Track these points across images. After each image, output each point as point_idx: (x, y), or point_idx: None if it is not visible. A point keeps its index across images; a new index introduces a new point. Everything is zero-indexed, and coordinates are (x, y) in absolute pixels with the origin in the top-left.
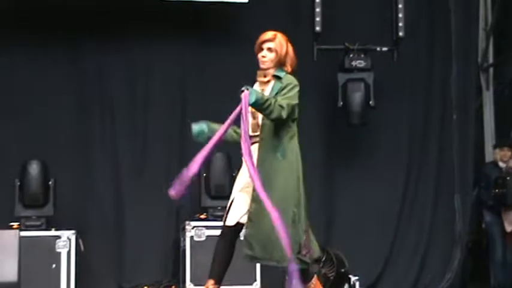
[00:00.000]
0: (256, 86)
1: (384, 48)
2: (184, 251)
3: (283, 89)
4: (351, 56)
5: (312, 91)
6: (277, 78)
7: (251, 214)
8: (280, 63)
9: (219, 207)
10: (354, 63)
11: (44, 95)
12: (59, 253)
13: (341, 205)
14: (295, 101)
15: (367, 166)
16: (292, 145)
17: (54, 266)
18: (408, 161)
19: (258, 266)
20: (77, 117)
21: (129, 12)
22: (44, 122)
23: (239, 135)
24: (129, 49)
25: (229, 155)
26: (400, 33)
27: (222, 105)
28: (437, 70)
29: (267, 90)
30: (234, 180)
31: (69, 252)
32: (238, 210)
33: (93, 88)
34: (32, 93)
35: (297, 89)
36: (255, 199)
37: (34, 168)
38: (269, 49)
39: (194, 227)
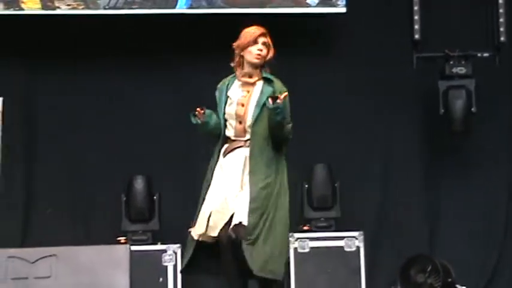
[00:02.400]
0: (236, 88)
1: (485, 54)
2: (288, 263)
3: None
4: (452, 62)
5: (412, 99)
6: (267, 80)
7: (255, 228)
8: (265, 62)
9: (322, 219)
10: (454, 70)
11: (147, 110)
12: (166, 267)
13: (445, 214)
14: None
15: (470, 174)
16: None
17: (161, 279)
18: (511, 169)
19: None
20: (180, 132)
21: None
22: (147, 137)
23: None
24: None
25: (331, 165)
26: (502, 38)
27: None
28: None
29: (255, 93)
30: (335, 191)
31: (175, 266)
32: (220, 221)
33: (193, 102)
34: (136, 109)
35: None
36: (263, 215)
37: (139, 183)
38: (264, 44)
39: (298, 238)
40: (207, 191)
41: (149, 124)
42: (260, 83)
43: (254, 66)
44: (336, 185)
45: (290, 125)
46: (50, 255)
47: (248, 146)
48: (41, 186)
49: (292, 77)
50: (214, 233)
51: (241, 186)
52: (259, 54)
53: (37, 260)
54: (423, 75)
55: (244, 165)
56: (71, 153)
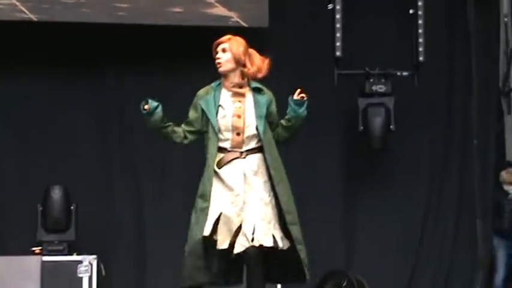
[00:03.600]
0: (227, 98)
1: (404, 73)
2: None
3: (269, 103)
4: (371, 80)
5: (332, 116)
6: (255, 89)
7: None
8: (238, 63)
9: None
10: (374, 87)
11: (65, 121)
12: (81, 278)
13: (362, 230)
14: None
15: (387, 191)
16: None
17: None
18: (429, 186)
19: None
20: (98, 143)
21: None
22: (65, 147)
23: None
24: (150, 75)
25: None
26: (421, 58)
27: None
28: (458, 94)
29: (248, 104)
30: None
31: (90, 277)
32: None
33: (113, 114)
34: (53, 118)
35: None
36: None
37: (56, 193)
38: (223, 50)
39: None
40: (206, 203)
41: (67, 133)
42: (250, 94)
43: (225, 73)
44: None
45: None
46: None
47: (244, 158)
48: None
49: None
50: (224, 245)
51: (244, 201)
52: (218, 63)
53: None
54: (344, 92)
55: (245, 180)
56: None
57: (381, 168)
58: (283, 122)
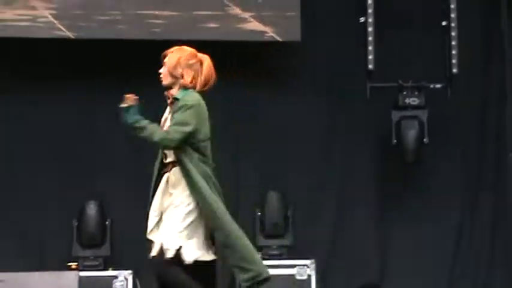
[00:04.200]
0: (168, 111)
1: (438, 85)
2: None
3: (174, 112)
4: (405, 93)
5: (365, 129)
6: (175, 100)
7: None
8: (173, 77)
9: (274, 246)
10: (407, 100)
11: (100, 136)
12: None
13: (397, 244)
14: (187, 126)
15: (421, 204)
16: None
17: None
18: (463, 200)
19: None
20: (133, 158)
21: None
22: (100, 162)
23: None
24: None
25: (284, 193)
26: (454, 70)
27: (277, 145)
28: (492, 107)
29: (168, 117)
30: (288, 219)
31: None
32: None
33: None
34: (89, 134)
35: (190, 110)
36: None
37: (91, 209)
38: (163, 64)
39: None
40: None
41: (103, 149)
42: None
43: (167, 87)
44: (288, 212)
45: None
46: None
47: (169, 171)
48: None
49: (246, 105)
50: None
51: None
52: (160, 78)
53: None
54: (377, 105)
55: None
56: (22, 178)
57: (414, 182)
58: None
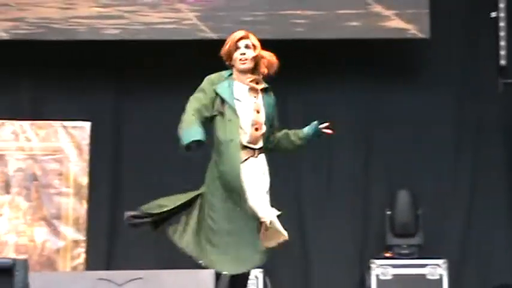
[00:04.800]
0: (242, 92)
1: None
2: None
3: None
4: None
5: (496, 126)
6: (265, 90)
7: None
8: (257, 61)
9: (405, 246)
10: None
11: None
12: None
13: None
14: None
15: None
16: None
17: None
18: None
19: None
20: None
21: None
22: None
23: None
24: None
25: (414, 192)
26: None
27: (407, 143)
28: None
29: (259, 103)
30: (418, 218)
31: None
32: None
33: None
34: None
35: None
36: None
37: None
38: (247, 46)
39: (380, 265)
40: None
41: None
42: (261, 93)
43: (246, 71)
44: (418, 211)
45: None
46: (138, 278)
47: (256, 157)
48: None
49: (376, 104)
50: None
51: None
52: (242, 59)
53: (125, 283)
54: (509, 101)
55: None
56: None
57: None
58: (291, 134)
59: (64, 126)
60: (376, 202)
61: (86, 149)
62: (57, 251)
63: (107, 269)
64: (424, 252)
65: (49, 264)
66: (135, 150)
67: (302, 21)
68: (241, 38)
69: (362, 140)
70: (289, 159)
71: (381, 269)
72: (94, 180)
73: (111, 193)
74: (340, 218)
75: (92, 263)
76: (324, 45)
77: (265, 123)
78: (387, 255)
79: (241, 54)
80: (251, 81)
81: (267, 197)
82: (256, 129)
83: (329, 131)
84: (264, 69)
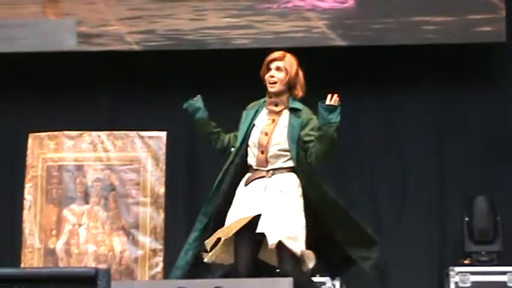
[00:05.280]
0: (263, 116)
1: None
2: None
3: (304, 124)
4: None
5: None
6: (293, 110)
7: None
8: (289, 86)
9: (483, 252)
10: None
11: None
12: None
13: None
14: None
15: None
16: None
17: None
18: None
19: None
20: None
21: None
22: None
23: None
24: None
25: (492, 198)
26: None
27: (484, 148)
28: None
29: (280, 123)
30: (497, 224)
31: None
32: None
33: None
34: None
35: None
36: None
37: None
38: (278, 68)
39: (458, 272)
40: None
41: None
42: (286, 113)
43: (276, 94)
44: (497, 218)
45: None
46: (216, 287)
47: (269, 177)
48: None
49: (451, 109)
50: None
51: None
52: (271, 82)
53: None
54: None
55: (264, 194)
56: None
57: None
58: (316, 133)
59: (141, 136)
60: (453, 208)
61: (162, 158)
62: (136, 260)
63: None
64: (503, 259)
65: (128, 273)
66: (211, 160)
67: (432, 27)
68: (273, 60)
69: (438, 145)
70: (363, 165)
71: (460, 276)
72: (170, 189)
73: (187, 202)
74: (418, 224)
75: (169, 272)
76: (399, 50)
77: (274, 145)
78: (466, 262)
79: (270, 76)
80: (269, 104)
81: (280, 214)
82: (262, 152)
83: (336, 99)
84: (298, 92)
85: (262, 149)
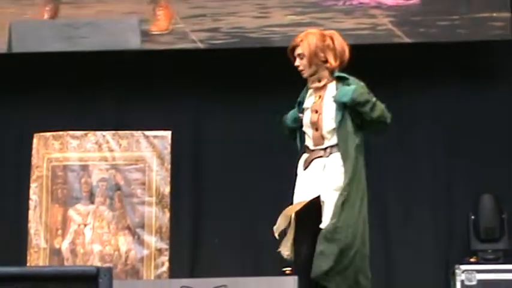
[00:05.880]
0: (310, 96)
1: None
2: None
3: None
4: None
5: None
6: (341, 79)
7: None
8: (315, 65)
9: (489, 251)
10: None
11: None
12: None
13: None
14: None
15: None
16: None
17: None
18: None
19: None
20: None
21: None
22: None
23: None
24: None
25: (498, 196)
26: None
27: (490, 147)
28: None
29: (327, 96)
30: (503, 222)
31: None
32: None
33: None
34: None
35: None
36: None
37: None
38: (299, 55)
39: (464, 270)
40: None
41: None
42: (332, 85)
43: (311, 76)
44: (503, 216)
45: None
46: (221, 286)
47: (327, 156)
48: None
49: (459, 106)
50: None
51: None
52: (300, 70)
53: None
54: None
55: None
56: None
57: None
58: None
59: (146, 136)
60: (459, 207)
61: (167, 158)
62: (141, 259)
63: (190, 277)
64: (510, 257)
65: (133, 273)
66: (216, 159)
67: (498, 23)
68: (292, 49)
69: (445, 143)
70: (370, 162)
71: (466, 275)
72: (176, 189)
73: (192, 202)
74: (424, 223)
75: (175, 272)
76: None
77: (326, 120)
78: (472, 260)
79: (296, 66)
80: (312, 82)
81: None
82: (316, 129)
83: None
84: (331, 63)
85: (316, 126)
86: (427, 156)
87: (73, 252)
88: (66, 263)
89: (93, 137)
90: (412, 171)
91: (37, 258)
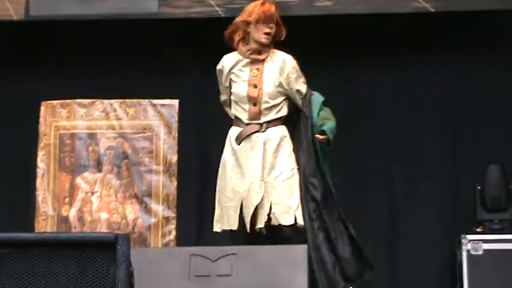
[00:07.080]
0: (241, 66)
1: None
2: (461, 265)
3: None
4: None
5: None
6: (276, 55)
7: None
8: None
9: (496, 221)
10: None
11: None
12: None
13: None
14: None
15: None
16: None
17: None
18: None
19: None
20: None
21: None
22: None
23: None
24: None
25: (504, 166)
26: None
27: (497, 116)
28: None
29: (267, 71)
30: (509, 193)
31: None
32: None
33: None
34: None
35: None
36: None
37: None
38: (276, 23)
39: (470, 240)
40: (222, 182)
41: None
42: (270, 60)
43: (261, 44)
44: (510, 186)
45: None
46: (231, 254)
47: (264, 131)
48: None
49: (464, 76)
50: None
51: (263, 177)
52: (267, 34)
53: (218, 259)
54: None
55: (264, 155)
56: None
57: None
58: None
59: (153, 104)
60: (466, 177)
61: (175, 126)
62: (149, 228)
63: (196, 245)
64: None
65: (141, 241)
66: (223, 128)
67: None
68: (274, 14)
69: (450, 114)
70: (376, 135)
71: (472, 244)
72: (183, 157)
73: (200, 170)
74: (430, 193)
75: (182, 240)
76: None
77: (265, 95)
78: (478, 230)
79: (269, 28)
80: (250, 53)
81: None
82: (254, 104)
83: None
84: (280, 36)
85: (254, 101)
86: (432, 127)
87: (80, 220)
88: (73, 231)
89: (101, 105)
90: (418, 143)
91: (45, 226)
